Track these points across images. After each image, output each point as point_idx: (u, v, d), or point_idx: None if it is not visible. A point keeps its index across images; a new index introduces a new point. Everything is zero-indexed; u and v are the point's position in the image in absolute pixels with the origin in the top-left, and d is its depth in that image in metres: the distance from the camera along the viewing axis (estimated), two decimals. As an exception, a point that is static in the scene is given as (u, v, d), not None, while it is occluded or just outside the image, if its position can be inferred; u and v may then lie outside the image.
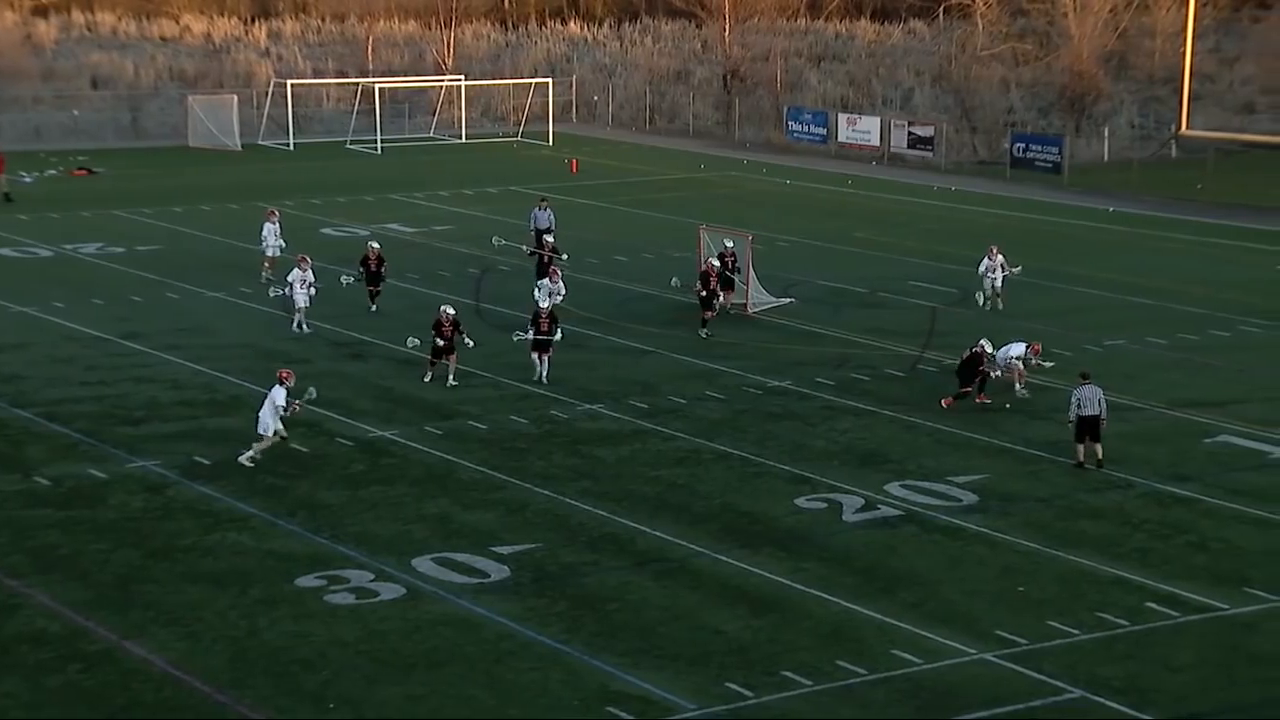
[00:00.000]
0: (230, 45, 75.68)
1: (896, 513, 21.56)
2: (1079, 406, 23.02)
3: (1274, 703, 16.39)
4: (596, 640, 17.55)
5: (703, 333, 30.49)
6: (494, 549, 20.15)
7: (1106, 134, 58.09)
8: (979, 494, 22.29)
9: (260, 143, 60.71)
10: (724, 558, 19.96)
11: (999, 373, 26.62)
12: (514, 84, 67.03)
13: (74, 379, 27.95)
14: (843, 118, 60.44)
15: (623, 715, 15.94)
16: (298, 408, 23.19)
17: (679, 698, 16.25)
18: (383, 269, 32.78)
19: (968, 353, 26.59)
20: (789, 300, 33.98)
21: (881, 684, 16.58)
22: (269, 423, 23.02)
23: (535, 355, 27.37)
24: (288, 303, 31.18)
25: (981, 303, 32.91)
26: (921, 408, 26.34)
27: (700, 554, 20.08)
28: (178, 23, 78.62)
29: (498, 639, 17.60)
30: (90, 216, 44.92)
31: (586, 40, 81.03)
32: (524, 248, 34.73)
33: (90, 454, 23.86)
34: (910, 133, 57.77)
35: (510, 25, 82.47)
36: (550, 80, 65.71)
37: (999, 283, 33.20)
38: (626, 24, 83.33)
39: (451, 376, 27.25)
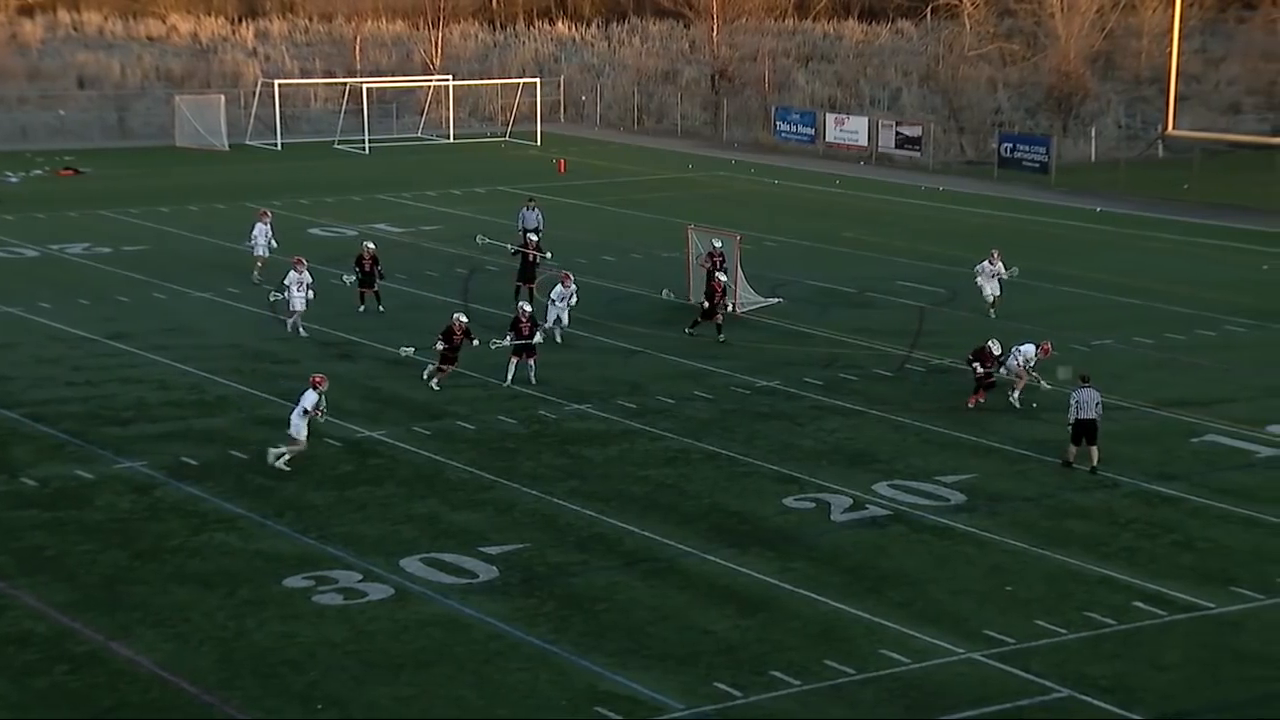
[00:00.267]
0: (217, 45, 75.56)
1: (884, 512, 21.58)
2: (1077, 409, 23.02)
3: (1260, 701, 16.45)
4: (585, 640, 17.55)
5: (688, 331, 30.63)
6: (482, 549, 20.14)
7: (1093, 134, 58.23)
8: (967, 494, 22.33)
9: (247, 143, 60.59)
10: (712, 557, 19.97)
11: (1006, 373, 26.23)
12: (502, 84, 67.00)
13: (60, 379, 27.87)
14: (830, 118, 60.50)
15: (611, 715, 15.94)
16: (321, 414, 22.99)
17: (667, 697, 16.26)
18: (378, 270, 32.73)
19: (973, 354, 26.35)
20: (777, 300, 34.00)
21: (870, 683, 16.60)
22: (299, 425, 22.88)
23: (514, 359, 27.27)
24: (282, 306, 30.97)
25: (993, 315, 31.97)
26: (909, 407, 26.38)
27: (688, 554, 20.09)
28: (164, 22, 78.47)
29: (486, 639, 17.59)
30: (77, 217, 44.80)
31: (574, 40, 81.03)
32: (509, 247, 34.70)
33: (77, 455, 23.79)
34: (898, 133, 57.85)
35: (498, 25, 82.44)
36: (538, 80, 65.68)
37: (995, 288, 32.56)
38: (614, 24, 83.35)
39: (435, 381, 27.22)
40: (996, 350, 26.33)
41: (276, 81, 62.23)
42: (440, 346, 27.00)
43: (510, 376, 27.14)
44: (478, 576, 19.32)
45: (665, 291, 33.28)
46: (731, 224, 38.96)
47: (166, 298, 34.67)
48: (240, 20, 79.75)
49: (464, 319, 27.41)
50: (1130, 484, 22.82)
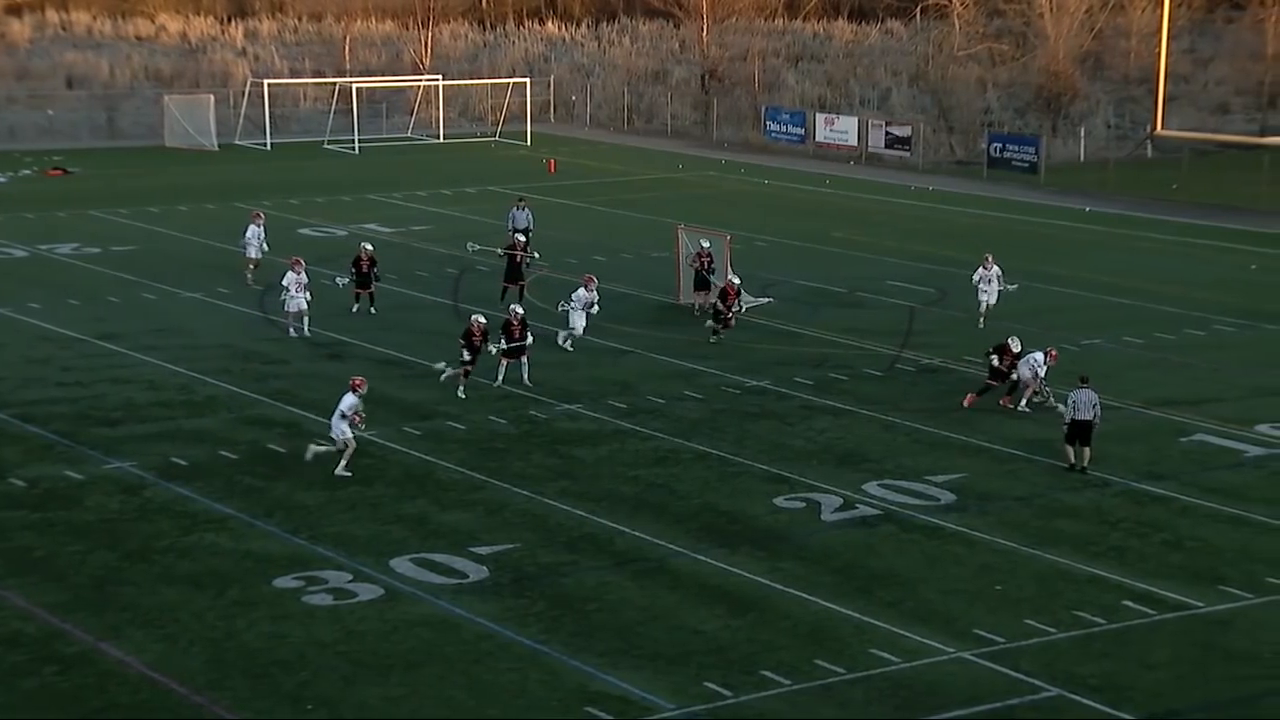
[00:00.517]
0: (206, 45, 75.47)
1: (875, 512, 21.61)
2: (1072, 410, 23.02)
3: (1249, 700, 16.50)
4: (575, 640, 17.55)
5: (713, 339, 30.09)
6: (472, 549, 20.13)
7: (1083, 134, 58.34)
8: (957, 493, 22.36)
9: (237, 142, 60.51)
10: (703, 557, 19.98)
11: (1043, 395, 25.87)
12: (492, 84, 66.97)
13: (50, 380, 27.80)
14: (820, 118, 60.55)
15: (602, 715, 15.94)
16: (360, 419, 22.80)
17: (658, 697, 16.26)
18: (374, 271, 32.63)
19: (994, 349, 26.22)
20: (767, 300, 34.03)
21: (860, 683, 16.62)
22: (340, 426, 22.73)
23: (505, 360, 27.15)
24: (285, 307, 30.51)
25: (982, 324, 31.16)
26: (899, 407, 26.41)
27: (679, 554, 20.10)
28: (153, 22, 78.39)
29: (476, 639, 17.59)
30: (66, 217, 44.70)
31: (564, 40, 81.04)
32: (498, 251, 34.64)
33: (66, 455, 23.74)
34: (888, 133, 57.92)
35: (488, 25, 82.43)
36: (528, 80, 65.68)
37: (993, 298, 31.55)
38: (604, 24, 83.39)
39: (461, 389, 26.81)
40: (1016, 348, 26.18)
41: (266, 81, 62.14)
42: (467, 357, 26.45)
43: (500, 377, 27.10)
44: (468, 577, 19.31)
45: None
46: (721, 224, 38.98)
47: (156, 298, 34.61)
48: (229, 20, 79.68)
49: (483, 320, 27.01)
50: (1120, 483, 22.87)
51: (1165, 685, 16.71)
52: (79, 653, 17.21)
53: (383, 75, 68.22)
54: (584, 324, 29.49)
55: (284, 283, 30.69)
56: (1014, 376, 26.17)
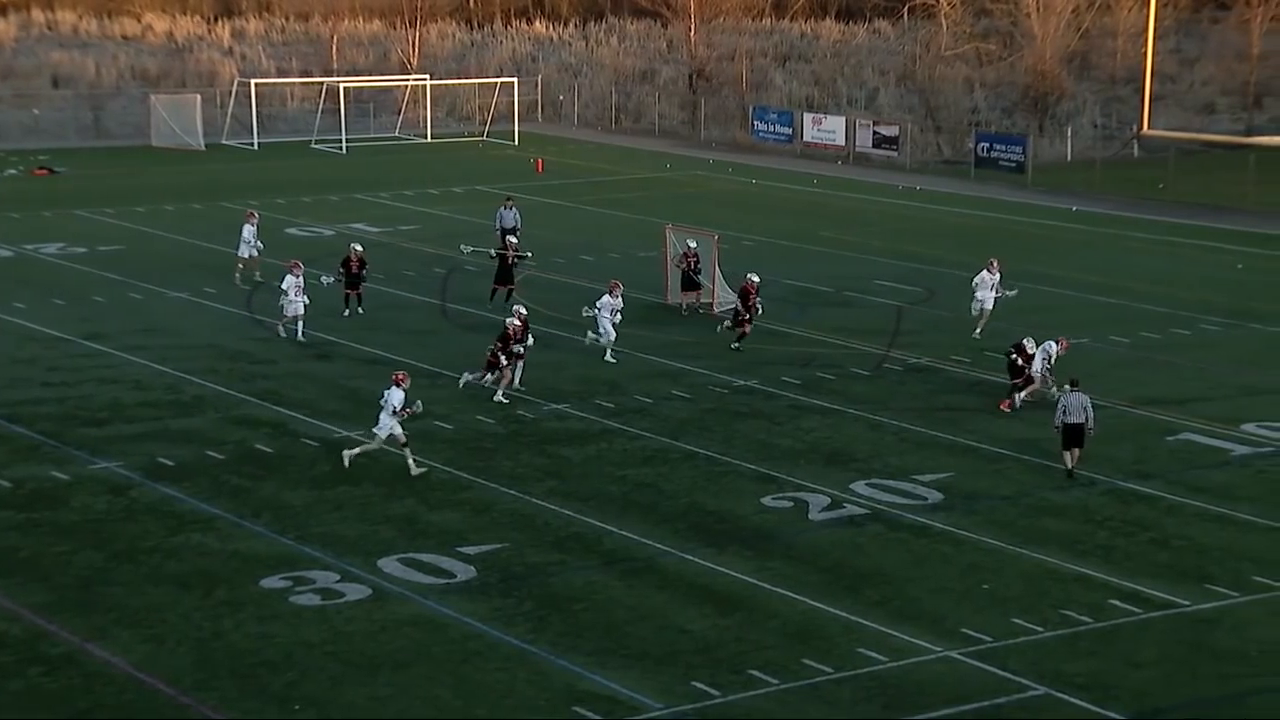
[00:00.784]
0: (193, 44, 75.29)
1: (862, 511, 21.63)
2: (1063, 414, 22.99)
3: (1235, 698, 16.54)
4: (563, 640, 17.54)
5: (735, 346, 29.61)
6: (460, 549, 20.11)
7: (1069, 134, 58.46)
8: (944, 492, 22.39)
9: (224, 142, 60.39)
10: (690, 557, 19.98)
11: (1048, 384, 25.81)
12: (479, 84, 66.91)
13: (36, 380, 27.72)
14: (808, 117, 60.60)
15: (589, 715, 15.93)
16: (409, 412, 22.63)
17: (646, 697, 16.26)
18: (364, 271, 32.51)
19: (1013, 348, 26.19)
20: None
21: (848, 682, 16.63)
22: (386, 422, 22.59)
23: (515, 364, 26.91)
24: (284, 311, 30.23)
25: (978, 334, 30.50)
26: (887, 406, 26.44)
27: (667, 553, 20.10)
28: (139, 21, 78.17)
29: (464, 639, 17.57)
30: (52, 216, 44.56)
31: (552, 40, 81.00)
32: (491, 253, 34.60)
33: (52, 455, 23.67)
34: (875, 132, 57.99)
35: (475, 25, 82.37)
36: (516, 80, 65.63)
37: (988, 304, 30.67)
38: (592, 24, 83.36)
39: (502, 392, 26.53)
40: (1031, 348, 26.18)
41: (253, 81, 62.02)
42: (505, 363, 26.20)
43: (517, 379, 26.82)
44: (455, 576, 19.29)
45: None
46: (709, 223, 38.99)
47: (143, 298, 34.52)
48: (216, 19, 79.50)
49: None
50: (1106, 482, 22.92)
51: (1152, 684, 16.74)
52: (65, 653, 17.16)
53: (370, 75, 68.13)
54: (610, 331, 28.74)
55: (283, 286, 30.31)
56: (1032, 370, 26.00)
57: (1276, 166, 46.70)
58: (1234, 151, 51.79)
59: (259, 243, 35.38)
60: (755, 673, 16.75)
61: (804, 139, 59.54)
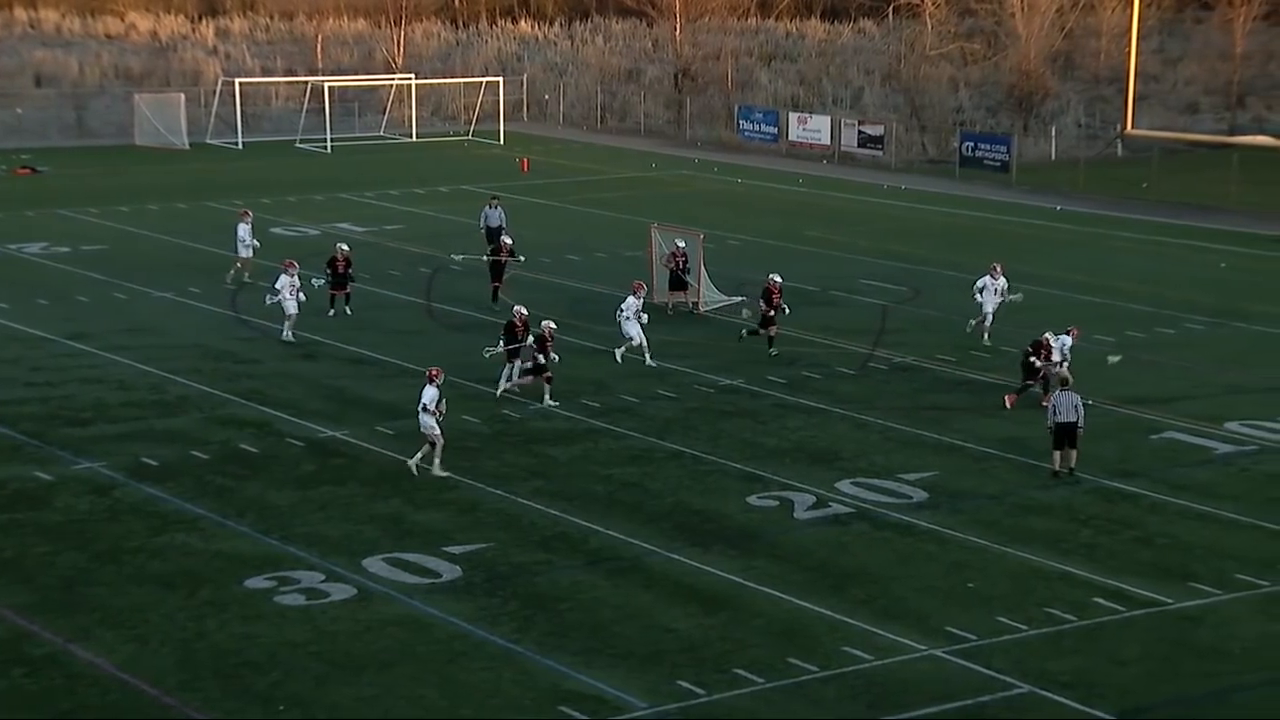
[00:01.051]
0: (177, 43, 75.06)
1: (847, 510, 21.65)
2: (1054, 413, 23.01)
3: (1218, 695, 16.60)
4: (548, 640, 17.53)
5: (772, 351, 29.23)
6: (446, 549, 20.08)
7: (1054, 133, 58.60)
8: (929, 491, 22.43)
9: (208, 141, 60.23)
10: (676, 556, 19.99)
11: (1055, 368, 25.62)
12: (464, 83, 66.83)
13: (19, 380, 27.61)
14: (793, 117, 60.65)
15: (575, 715, 15.92)
16: (440, 413, 22.56)
17: (631, 696, 16.26)
18: (350, 271, 32.39)
19: (1031, 347, 26.11)
20: (740, 299, 34.05)
21: (833, 681, 16.65)
22: (430, 422, 22.54)
23: (512, 363, 26.78)
24: (285, 310, 30.01)
25: (970, 328, 30.16)
26: (872, 405, 26.48)
27: (652, 552, 20.10)
28: (123, 20, 77.91)
29: (449, 639, 17.55)
30: (35, 216, 44.39)
31: (537, 39, 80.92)
32: (483, 257, 34.49)
33: (35, 456, 23.58)
34: (860, 132, 58.06)
35: (460, 24, 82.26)
36: (501, 79, 65.56)
37: (989, 307, 30.06)
38: (577, 23, 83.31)
39: (511, 380, 26.53)
40: (1055, 342, 26.11)
41: (237, 80, 61.86)
42: (529, 365, 26.05)
43: (509, 379, 26.68)
44: (441, 576, 19.27)
45: (745, 312, 31.06)
46: (695, 223, 38.98)
47: (127, 297, 34.42)
48: (200, 18, 79.28)
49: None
50: (1091, 481, 22.97)
51: (1135, 681, 16.79)
52: (48, 654, 17.10)
53: (355, 74, 67.99)
54: (639, 332, 28.38)
55: (277, 285, 30.09)
56: (1051, 364, 25.81)
57: (1259, 166, 46.87)
58: (1217, 151, 51.94)
59: (255, 241, 35.30)
60: (740, 672, 16.76)
61: (789, 138, 59.58)
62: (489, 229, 37.39)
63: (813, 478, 22.90)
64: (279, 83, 67.43)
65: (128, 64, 70.68)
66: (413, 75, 65.98)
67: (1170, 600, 18.78)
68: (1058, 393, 23.33)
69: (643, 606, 18.44)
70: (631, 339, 28.49)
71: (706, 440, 24.60)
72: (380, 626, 17.80)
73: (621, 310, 28.67)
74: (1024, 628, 17.91)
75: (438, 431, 22.53)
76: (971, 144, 55.26)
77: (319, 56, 72.25)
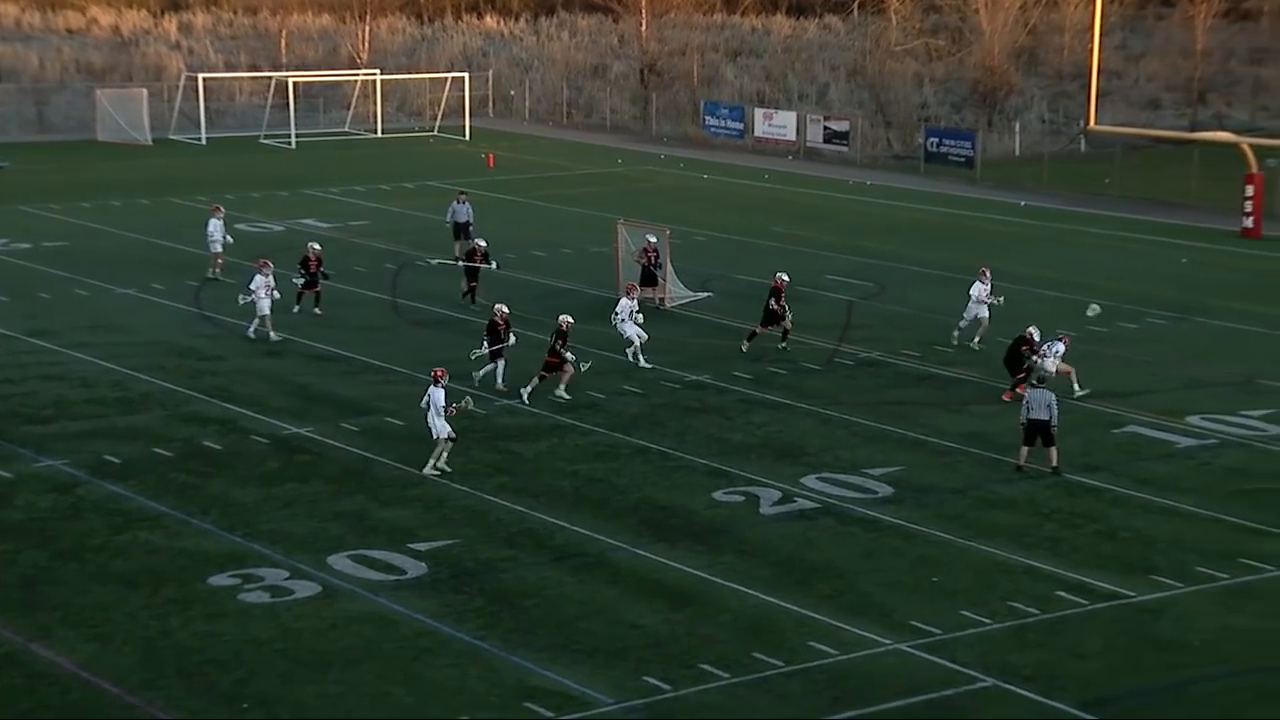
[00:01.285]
0: (139, 38, 74.53)
1: (813, 505, 21.71)
2: (1027, 410, 23.12)
3: (1179, 687, 16.74)
4: (514, 636, 17.51)
5: (781, 346, 29.21)
6: (411, 545, 20.04)
7: (1018, 129, 58.89)
8: (894, 486, 22.52)
9: (171, 137, 59.85)
10: (642, 552, 20.00)
11: (1041, 368, 25.68)
12: (430, 78, 66.63)
13: (-21, 377, 27.38)
14: (759, 112, 60.74)
15: (541, 711, 15.92)
16: (454, 411, 22.50)
17: (597, 692, 16.26)
18: (321, 270, 32.18)
19: (1017, 339, 26.22)
20: (707, 295, 34.10)
21: (798, 675, 16.70)
22: (440, 425, 22.44)
23: (496, 362, 26.61)
24: (257, 310, 29.81)
25: (956, 339, 29.45)
26: (838, 401, 26.56)
27: (618, 548, 20.11)
28: (84, 15, 77.33)
29: (415, 636, 17.51)
30: (-5, 212, 44.03)
31: (503, 35, 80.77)
32: (459, 263, 34.30)
33: (-4, 454, 23.40)
34: (826, 127, 58.19)
35: (426, 19, 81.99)
36: (466, 75, 65.40)
37: (983, 313, 29.45)
38: (543, 18, 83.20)
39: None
40: (1036, 336, 26.28)
41: (201, 75, 61.48)
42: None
43: (481, 375, 26.54)
44: (406, 573, 19.22)
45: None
46: (661, 218, 39.00)
47: (89, 294, 34.17)
48: (163, 13, 78.77)
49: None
50: (1054, 475, 23.09)
51: (1097, 674, 16.91)
52: (8, 653, 16.96)
53: (320, 69, 67.68)
54: (636, 333, 28.22)
55: (251, 285, 29.84)
56: (1036, 363, 25.88)
57: (1220, 162, 47.19)
58: (1179, 147, 52.28)
59: (228, 237, 35.09)
60: (706, 667, 16.78)
61: (755, 134, 59.67)
62: (456, 224, 37.32)
63: (778, 473, 22.95)
64: (243, 78, 67.06)
65: (89, 59, 70.12)
66: (378, 71, 65.72)
67: (1132, 593, 18.93)
68: (1031, 390, 23.44)
69: (608, 602, 18.45)
70: (631, 340, 28.37)
71: (673, 436, 24.62)
72: (345, 624, 17.74)
73: (616, 313, 28.53)
74: (988, 621, 18.01)
75: (450, 430, 22.48)
76: (936, 140, 55.47)
77: (283, 51, 71.88)
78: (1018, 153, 57.29)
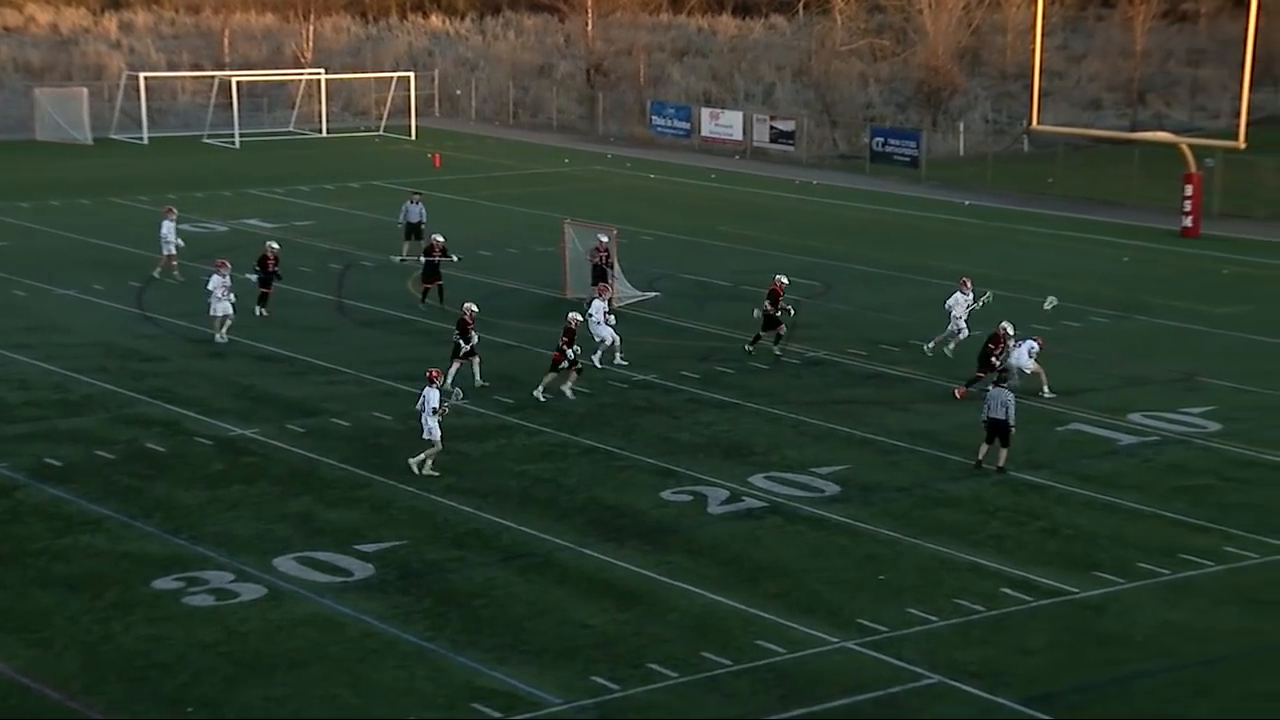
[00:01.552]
0: (79, 36, 73.66)
1: (761, 504, 21.78)
2: (986, 409, 23.26)
3: (1121, 681, 16.92)
4: (462, 637, 17.46)
5: (776, 349, 29.10)
6: (358, 547, 19.93)
7: (962, 129, 59.34)
8: (841, 484, 22.63)
9: (113, 136, 59.21)
10: (590, 551, 19.99)
11: (1017, 365, 25.77)
12: (375, 78, 66.28)
13: (-84, 380, 26.97)
14: (705, 112, 60.85)
15: (489, 712, 15.88)
16: (445, 411, 22.35)
17: (545, 692, 16.24)
18: (276, 270, 31.84)
19: (991, 336, 26.29)
20: (654, 295, 34.12)
21: (746, 674, 16.74)
22: (433, 425, 22.25)
23: (456, 362, 26.39)
24: (210, 311, 29.41)
25: (931, 348, 28.95)
26: (785, 400, 26.65)
27: (566, 548, 20.09)
28: (21, 12, 76.29)
29: (362, 637, 17.41)
30: (-68, 212, 43.40)
31: (448, 34, 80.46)
32: (420, 258, 34.05)
33: (-66, 457, 23.06)
34: (772, 127, 58.39)
35: (370, 19, 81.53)
36: (412, 74, 65.09)
37: (963, 322, 29.02)
38: (488, 18, 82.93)
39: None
40: (1011, 330, 26.38)
41: (142, 74, 60.85)
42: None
43: (449, 380, 26.42)
44: (353, 574, 19.11)
45: (755, 313, 29.41)
46: (608, 218, 38.97)
47: (27, 295, 33.74)
48: (103, 11, 77.86)
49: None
50: (999, 474, 23.27)
51: (1041, 670, 17.07)
52: (-52, 660, 16.73)
53: (263, 69, 67.16)
54: (611, 334, 28.06)
55: (209, 286, 29.47)
56: (1006, 363, 25.96)
57: (1160, 161, 47.74)
58: (1120, 147, 52.86)
59: (179, 240, 34.75)
60: (654, 666, 16.80)
61: (702, 134, 59.78)
62: (408, 224, 37.16)
63: (726, 472, 23.01)
64: (185, 77, 66.44)
65: (27, 57, 69.21)
66: (322, 70, 65.31)
67: (1076, 590, 19.11)
68: (991, 389, 23.58)
69: (556, 602, 18.43)
70: (604, 341, 28.24)
71: (620, 436, 24.62)
72: (291, 626, 17.62)
73: (590, 315, 28.25)
74: (934, 619, 18.13)
75: (439, 433, 22.36)
76: (882, 139, 55.78)
77: (226, 51, 71.27)
78: (962, 152, 57.73)
